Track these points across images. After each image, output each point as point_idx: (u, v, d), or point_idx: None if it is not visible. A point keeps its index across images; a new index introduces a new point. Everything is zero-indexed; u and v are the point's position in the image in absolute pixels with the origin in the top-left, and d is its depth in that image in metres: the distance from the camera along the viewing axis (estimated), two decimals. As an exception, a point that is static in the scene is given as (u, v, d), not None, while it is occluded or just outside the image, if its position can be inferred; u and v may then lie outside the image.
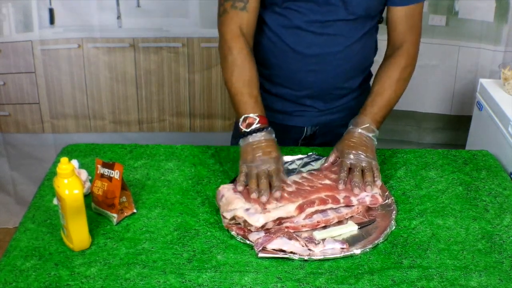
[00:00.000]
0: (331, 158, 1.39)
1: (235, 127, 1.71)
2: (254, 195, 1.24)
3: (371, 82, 1.63)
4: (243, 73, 1.38)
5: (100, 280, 1.11)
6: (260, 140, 1.30)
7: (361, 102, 1.47)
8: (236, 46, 1.40)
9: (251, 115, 1.33)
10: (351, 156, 1.34)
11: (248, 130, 1.31)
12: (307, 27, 1.44)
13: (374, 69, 1.61)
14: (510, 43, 2.28)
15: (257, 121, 1.32)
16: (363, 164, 1.33)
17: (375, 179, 1.31)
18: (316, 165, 1.47)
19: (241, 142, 1.33)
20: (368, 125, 1.39)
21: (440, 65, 2.38)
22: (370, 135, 1.38)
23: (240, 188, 1.27)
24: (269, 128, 1.33)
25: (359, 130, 1.38)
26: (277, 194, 1.24)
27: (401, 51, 1.48)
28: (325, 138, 1.41)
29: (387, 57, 1.52)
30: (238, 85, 1.37)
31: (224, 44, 1.42)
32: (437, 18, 2.30)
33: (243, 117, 1.33)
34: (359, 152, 1.34)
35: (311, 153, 1.51)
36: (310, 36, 1.45)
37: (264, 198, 1.23)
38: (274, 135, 1.34)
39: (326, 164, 1.39)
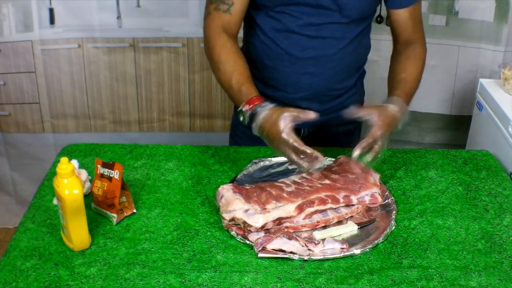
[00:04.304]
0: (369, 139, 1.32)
1: (232, 127, 1.71)
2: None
3: (364, 80, 1.64)
4: (230, 68, 1.37)
5: (100, 280, 1.11)
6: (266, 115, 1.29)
7: (356, 100, 1.46)
8: (217, 43, 1.39)
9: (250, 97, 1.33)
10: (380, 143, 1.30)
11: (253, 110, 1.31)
12: (301, 30, 1.44)
13: (367, 67, 1.63)
14: (510, 43, 2.28)
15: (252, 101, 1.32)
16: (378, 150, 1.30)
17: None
18: (316, 165, 1.47)
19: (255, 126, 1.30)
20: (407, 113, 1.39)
21: (440, 65, 2.38)
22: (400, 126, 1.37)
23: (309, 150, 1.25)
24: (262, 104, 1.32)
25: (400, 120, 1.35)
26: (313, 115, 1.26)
27: (418, 46, 1.51)
28: (322, 137, 1.39)
29: (402, 50, 1.52)
30: (232, 82, 1.36)
31: (207, 43, 1.42)
32: (437, 18, 2.30)
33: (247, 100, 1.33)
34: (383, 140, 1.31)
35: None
36: (304, 40, 1.45)
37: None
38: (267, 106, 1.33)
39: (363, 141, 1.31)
